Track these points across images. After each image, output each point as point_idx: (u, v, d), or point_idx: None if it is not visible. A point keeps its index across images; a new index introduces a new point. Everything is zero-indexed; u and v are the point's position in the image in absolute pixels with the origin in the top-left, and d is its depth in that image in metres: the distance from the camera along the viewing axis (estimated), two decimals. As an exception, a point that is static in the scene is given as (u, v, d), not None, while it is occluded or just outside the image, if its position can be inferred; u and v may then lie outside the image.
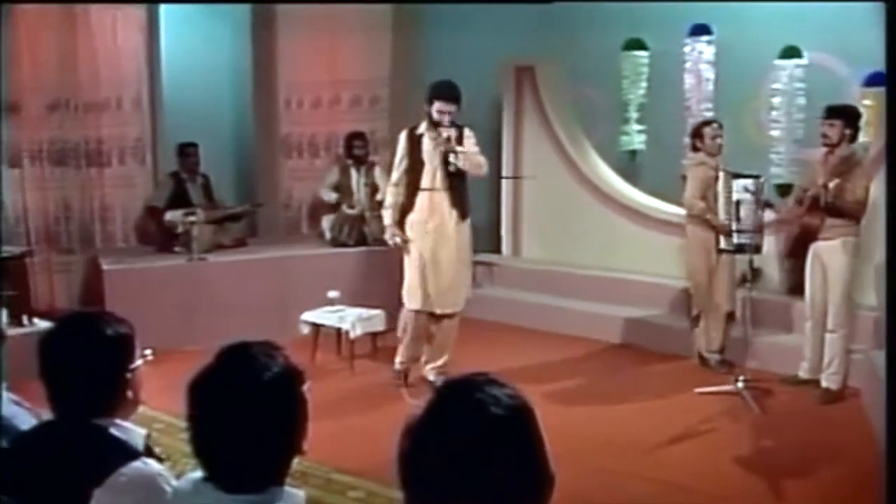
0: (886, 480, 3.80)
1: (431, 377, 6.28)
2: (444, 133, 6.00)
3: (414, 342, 6.29)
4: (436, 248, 6.11)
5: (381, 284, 7.85)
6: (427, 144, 6.07)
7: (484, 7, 9.27)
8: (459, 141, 6.05)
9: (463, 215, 6.15)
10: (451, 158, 5.96)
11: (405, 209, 6.18)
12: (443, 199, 6.09)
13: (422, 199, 6.10)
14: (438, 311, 6.19)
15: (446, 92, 5.99)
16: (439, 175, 6.06)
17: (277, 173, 9.42)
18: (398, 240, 6.19)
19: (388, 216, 6.27)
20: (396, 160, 6.24)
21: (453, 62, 9.22)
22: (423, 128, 6.10)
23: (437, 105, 5.96)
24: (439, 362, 6.31)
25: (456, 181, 6.09)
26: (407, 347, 6.31)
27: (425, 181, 6.09)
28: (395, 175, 6.24)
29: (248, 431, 1.83)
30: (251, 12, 9.26)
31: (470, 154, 6.03)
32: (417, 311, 6.18)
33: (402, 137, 6.21)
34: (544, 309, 8.21)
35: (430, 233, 6.10)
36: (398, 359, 6.38)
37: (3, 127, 8.13)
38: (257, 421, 1.84)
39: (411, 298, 6.18)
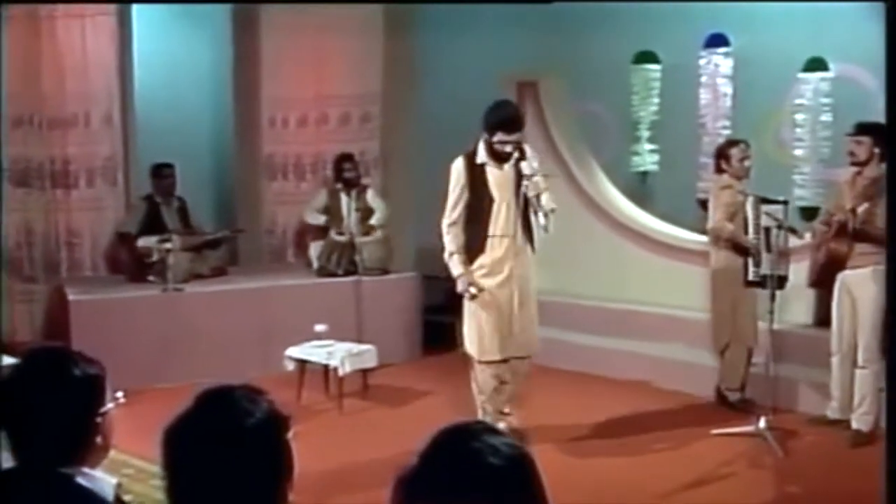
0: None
1: (516, 423, 6.08)
2: (529, 177, 5.73)
3: (499, 398, 5.97)
4: (517, 289, 5.88)
5: (373, 317, 7.85)
6: (495, 176, 5.85)
7: (483, 15, 9.31)
8: (520, 160, 5.81)
9: (533, 248, 5.99)
10: (542, 219, 5.75)
11: (472, 250, 5.91)
12: (519, 235, 5.86)
13: (495, 238, 5.86)
14: (517, 356, 5.93)
15: (509, 121, 5.81)
16: (513, 210, 5.82)
17: (260, 197, 9.43)
18: (473, 291, 5.89)
19: (456, 263, 5.91)
20: (454, 195, 5.93)
21: (450, 74, 9.28)
22: (482, 156, 5.86)
23: (499, 135, 5.75)
24: (512, 406, 6.13)
25: (528, 214, 5.89)
26: (490, 402, 5.95)
27: (498, 217, 5.84)
28: (452, 213, 5.92)
29: (228, 482, 1.82)
30: (232, 19, 9.30)
31: (549, 203, 5.77)
32: (498, 362, 5.92)
33: (460, 168, 5.92)
34: (547, 343, 8.16)
35: (511, 274, 5.87)
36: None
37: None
38: (239, 471, 1.83)
39: (487, 350, 5.90)
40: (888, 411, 4.55)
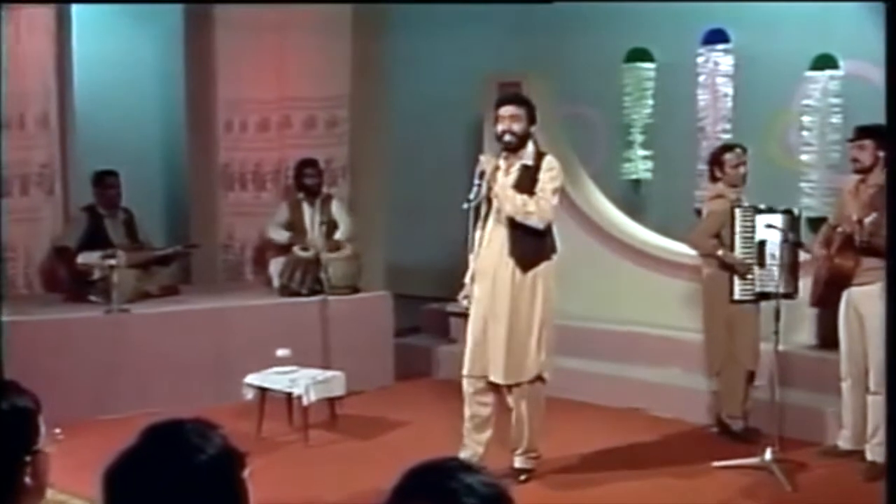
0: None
1: (517, 464, 6.08)
2: (483, 160, 5.88)
3: (473, 421, 5.97)
4: (492, 302, 5.90)
5: (341, 340, 7.83)
6: (501, 176, 5.89)
7: (462, 13, 9.31)
8: (536, 173, 5.84)
9: (524, 266, 5.87)
10: (471, 196, 5.81)
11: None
12: (500, 242, 5.89)
13: (484, 242, 5.96)
14: (491, 378, 5.91)
15: (501, 97, 6.03)
16: (500, 213, 5.88)
17: (216, 208, 9.40)
18: (465, 303, 6.04)
19: (470, 268, 6.08)
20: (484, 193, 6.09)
21: (426, 75, 9.27)
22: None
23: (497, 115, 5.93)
24: (522, 446, 6.08)
25: (516, 224, 5.87)
26: (466, 427, 5.99)
27: (489, 220, 5.93)
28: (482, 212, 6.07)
29: (177, 527, 1.81)
30: (183, 14, 9.27)
31: (507, 194, 5.79)
32: (467, 376, 5.96)
33: (485, 167, 6.04)
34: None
35: (491, 285, 5.91)
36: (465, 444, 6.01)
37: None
38: (189, 514, 1.81)
39: (464, 361, 6.00)
40: (888, 435, 4.56)
